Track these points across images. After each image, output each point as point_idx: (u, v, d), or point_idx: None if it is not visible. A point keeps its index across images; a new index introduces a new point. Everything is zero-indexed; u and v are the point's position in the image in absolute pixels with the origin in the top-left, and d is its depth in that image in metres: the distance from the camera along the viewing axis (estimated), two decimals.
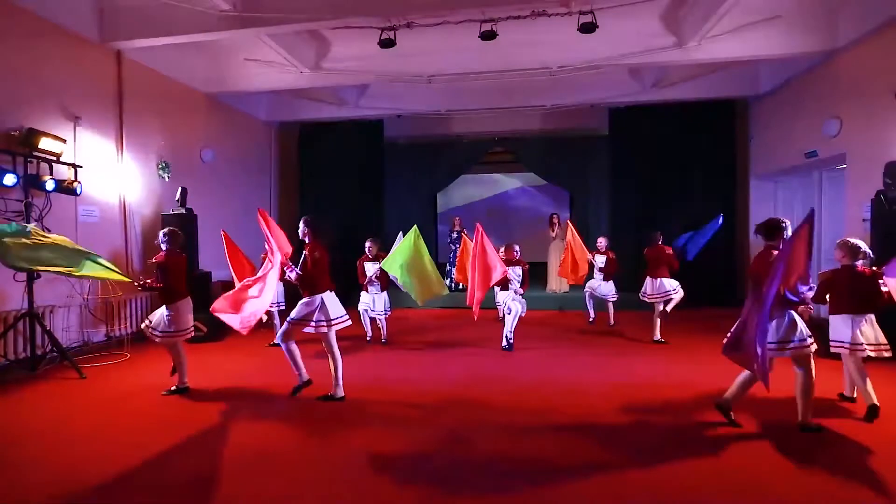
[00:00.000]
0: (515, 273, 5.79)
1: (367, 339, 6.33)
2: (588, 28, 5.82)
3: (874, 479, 2.69)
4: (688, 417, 3.64)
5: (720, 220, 6.39)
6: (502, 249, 6.04)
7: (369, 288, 6.17)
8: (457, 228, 9.61)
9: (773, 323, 3.23)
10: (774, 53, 6.66)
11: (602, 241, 7.06)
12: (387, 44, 6.25)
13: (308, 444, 3.28)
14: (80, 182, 5.40)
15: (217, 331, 6.41)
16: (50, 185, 5.00)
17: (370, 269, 6.15)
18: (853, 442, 3.19)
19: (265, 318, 5.41)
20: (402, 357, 5.70)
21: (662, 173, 9.18)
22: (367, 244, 6.25)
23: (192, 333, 4.63)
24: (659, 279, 6.12)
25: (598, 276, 7.12)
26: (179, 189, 6.93)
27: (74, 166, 5.47)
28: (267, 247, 4.48)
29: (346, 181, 10.11)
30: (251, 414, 3.84)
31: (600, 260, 7.03)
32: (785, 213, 8.81)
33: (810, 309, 3.63)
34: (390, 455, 3.07)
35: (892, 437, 3.24)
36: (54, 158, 5.22)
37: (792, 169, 8.07)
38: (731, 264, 8.98)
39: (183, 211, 6.85)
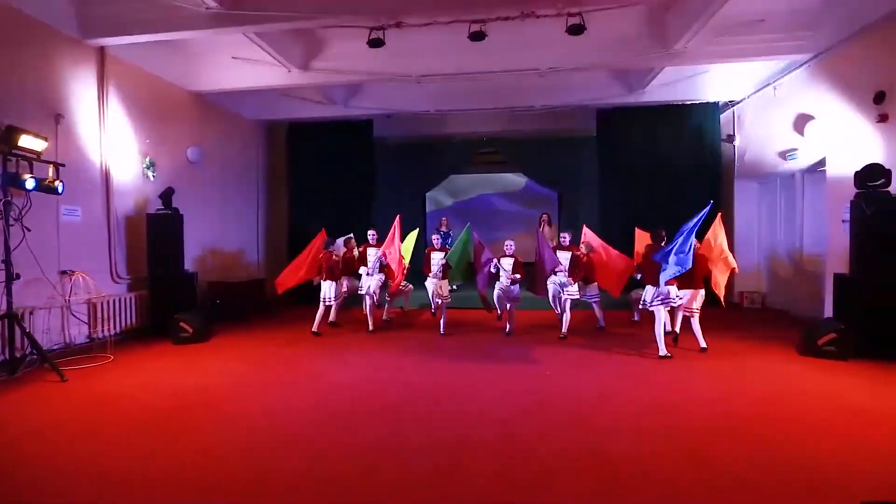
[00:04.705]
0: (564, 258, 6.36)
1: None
2: (576, 30, 5.87)
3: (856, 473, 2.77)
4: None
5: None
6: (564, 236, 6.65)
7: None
8: (443, 228, 9.60)
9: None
10: (757, 57, 6.78)
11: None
12: (376, 43, 6.22)
13: (299, 442, 3.25)
14: (61, 181, 5.29)
15: (203, 332, 6.33)
16: (30, 184, 4.88)
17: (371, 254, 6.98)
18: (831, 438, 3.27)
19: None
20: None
21: (649, 174, 9.25)
22: (371, 232, 7.16)
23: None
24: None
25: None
26: (164, 189, 6.84)
27: (56, 164, 5.35)
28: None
29: (335, 181, 10.05)
30: (241, 413, 3.80)
31: None
32: (767, 212, 9.00)
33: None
34: (389, 453, 3.06)
35: (863, 430, 3.34)
36: (35, 157, 5.11)
37: (774, 171, 8.23)
38: None
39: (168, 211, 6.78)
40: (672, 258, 5.22)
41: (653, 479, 2.73)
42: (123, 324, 6.46)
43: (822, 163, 6.91)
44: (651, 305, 5.55)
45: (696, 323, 5.70)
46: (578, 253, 6.53)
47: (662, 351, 5.39)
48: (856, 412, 3.70)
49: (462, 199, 12.80)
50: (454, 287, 7.30)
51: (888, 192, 5.34)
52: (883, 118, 5.62)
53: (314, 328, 6.76)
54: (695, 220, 5.34)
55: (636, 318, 7.31)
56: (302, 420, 3.69)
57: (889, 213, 5.21)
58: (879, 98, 5.64)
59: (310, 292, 10.27)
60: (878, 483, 2.68)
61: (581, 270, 6.44)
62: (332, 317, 7.25)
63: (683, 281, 5.50)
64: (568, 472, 2.82)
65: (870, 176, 5.37)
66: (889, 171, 5.30)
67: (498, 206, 12.59)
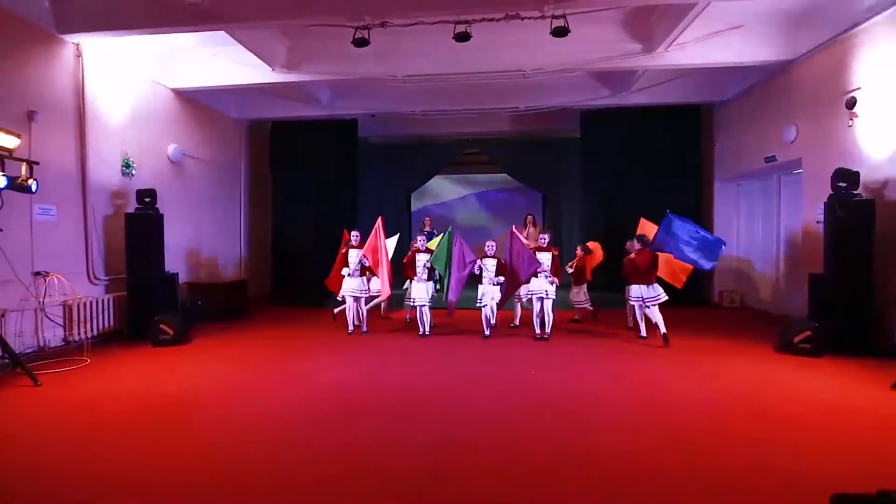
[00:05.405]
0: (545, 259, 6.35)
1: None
2: (560, 32, 5.92)
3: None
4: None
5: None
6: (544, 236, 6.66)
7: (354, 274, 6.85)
8: (426, 229, 9.59)
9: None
10: (737, 61, 6.93)
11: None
12: (360, 43, 6.19)
13: (292, 444, 3.21)
14: (35, 179, 5.14)
15: (183, 333, 6.22)
16: (1, 182, 4.75)
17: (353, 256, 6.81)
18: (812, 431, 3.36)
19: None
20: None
21: (632, 175, 9.37)
22: (354, 233, 6.99)
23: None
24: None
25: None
26: (144, 188, 6.72)
27: (29, 162, 5.20)
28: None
29: (319, 180, 9.96)
30: (230, 415, 3.75)
31: None
32: (746, 214, 9.19)
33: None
34: (368, 457, 3.05)
35: (838, 425, 3.43)
36: (6, 154, 4.96)
37: (753, 172, 8.40)
38: None
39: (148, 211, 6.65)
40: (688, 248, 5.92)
41: (649, 477, 2.74)
42: (101, 326, 6.32)
43: (798, 165, 7.08)
44: (648, 303, 5.99)
45: (649, 312, 6.07)
46: (557, 254, 6.57)
47: (663, 329, 5.93)
48: (832, 408, 3.77)
49: (447, 200, 12.79)
50: (438, 288, 7.30)
51: (860, 194, 5.50)
52: (852, 119, 5.78)
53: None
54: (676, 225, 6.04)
55: (578, 318, 7.54)
56: (295, 421, 3.64)
57: (859, 214, 5.37)
58: (851, 103, 5.81)
59: (295, 293, 10.15)
60: (856, 476, 2.74)
61: (560, 271, 6.51)
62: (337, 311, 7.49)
63: (643, 277, 6.05)
64: (564, 471, 2.82)
65: (841, 178, 5.53)
66: (857, 174, 5.47)
67: (483, 207, 12.62)
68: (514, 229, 6.49)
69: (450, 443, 3.22)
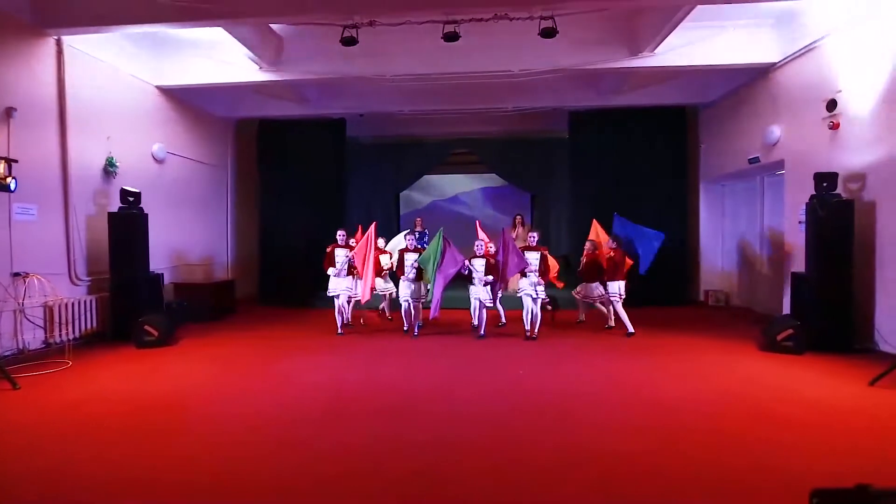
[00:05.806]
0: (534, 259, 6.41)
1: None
2: (549, 33, 5.96)
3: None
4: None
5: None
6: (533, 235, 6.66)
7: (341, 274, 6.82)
8: (418, 229, 9.57)
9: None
10: (722, 64, 7.07)
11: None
12: (349, 42, 6.15)
13: (288, 445, 3.16)
14: (14, 178, 4.99)
15: (168, 335, 6.10)
16: None
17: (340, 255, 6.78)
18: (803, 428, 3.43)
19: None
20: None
21: (620, 176, 9.43)
22: (340, 232, 6.95)
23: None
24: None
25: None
26: (129, 187, 6.57)
27: (8, 160, 5.05)
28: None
29: (307, 179, 9.85)
30: (219, 416, 3.68)
31: None
32: (731, 214, 9.37)
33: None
34: (354, 457, 3.02)
35: (828, 423, 3.51)
36: None
37: (737, 174, 8.57)
38: (683, 264, 9.39)
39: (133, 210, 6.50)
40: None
41: (649, 477, 2.75)
42: (83, 328, 6.16)
43: (780, 167, 7.25)
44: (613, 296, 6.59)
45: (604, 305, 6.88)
46: (546, 253, 6.62)
47: (630, 328, 6.46)
48: (828, 407, 3.82)
49: (436, 200, 12.75)
50: (429, 288, 7.26)
51: (839, 195, 5.65)
52: (835, 126, 5.95)
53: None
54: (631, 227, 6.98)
55: (582, 318, 7.51)
56: (292, 421, 3.59)
57: (839, 215, 5.51)
58: (831, 106, 5.97)
59: (284, 293, 10.01)
60: (855, 475, 2.79)
61: (549, 270, 6.55)
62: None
63: (620, 274, 6.55)
64: (564, 471, 2.82)
65: (823, 179, 5.68)
66: (836, 175, 5.63)
67: (472, 207, 12.61)
68: (504, 231, 6.63)
69: (449, 443, 3.21)
